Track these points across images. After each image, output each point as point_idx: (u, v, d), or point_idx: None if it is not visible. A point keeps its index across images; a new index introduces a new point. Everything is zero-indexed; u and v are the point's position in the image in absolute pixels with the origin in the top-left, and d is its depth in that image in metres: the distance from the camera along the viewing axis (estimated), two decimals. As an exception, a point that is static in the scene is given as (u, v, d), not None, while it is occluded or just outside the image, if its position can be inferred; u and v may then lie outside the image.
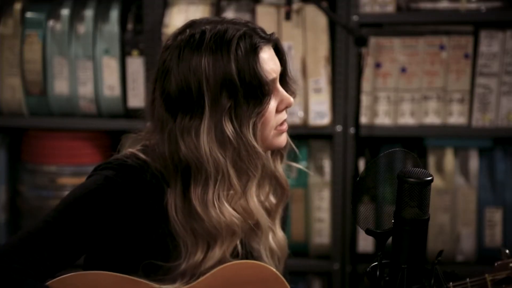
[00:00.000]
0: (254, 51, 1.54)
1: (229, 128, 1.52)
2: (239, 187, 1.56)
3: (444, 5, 2.89)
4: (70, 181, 2.94)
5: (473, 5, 2.87)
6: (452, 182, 2.93)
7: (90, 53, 2.93)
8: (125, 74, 2.96)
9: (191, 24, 1.59)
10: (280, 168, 1.68)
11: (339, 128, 2.91)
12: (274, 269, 1.60)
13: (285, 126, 1.61)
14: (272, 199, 1.69)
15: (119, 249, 1.57)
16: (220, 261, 1.59)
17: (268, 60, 1.56)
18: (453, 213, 2.94)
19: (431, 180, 1.32)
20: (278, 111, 1.59)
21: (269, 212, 1.68)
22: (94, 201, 1.52)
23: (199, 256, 1.57)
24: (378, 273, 1.36)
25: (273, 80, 1.57)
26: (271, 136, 1.59)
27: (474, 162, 2.95)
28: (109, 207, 1.53)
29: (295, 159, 1.76)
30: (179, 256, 1.57)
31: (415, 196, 1.31)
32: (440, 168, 2.95)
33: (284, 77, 1.63)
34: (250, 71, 1.53)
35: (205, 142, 1.52)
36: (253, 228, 1.64)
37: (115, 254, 1.58)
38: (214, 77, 1.51)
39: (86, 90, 2.95)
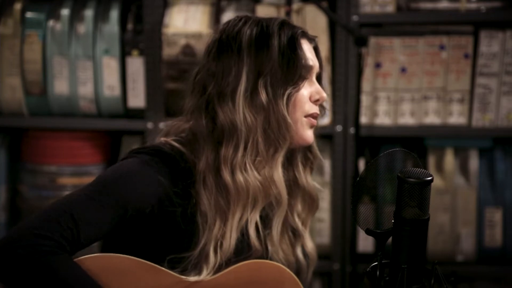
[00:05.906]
0: (296, 37, 1.63)
1: (263, 94, 1.59)
2: (266, 155, 1.61)
3: (444, 5, 2.89)
4: (70, 181, 2.93)
5: (473, 5, 2.87)
6: (452, 182, 2.93)
7: (90, 53, 2.93)
8: (125, 74, 2.95)
9: (234, 19, 1.69)
10: (310, 180, 1.78)
11: (339, 128, 2.91)
12: (292, 272, 1.64)
13: (315, 121, 1.69)
14: (303, 209, 1.79)
15: (145, 235, 1.60)
16: (238, 248, 1.63)
17: (307, 50, 1.65)
18: (453, 213, 2.94)
19: (431, 180, 1.32)
20: (311, 100, 1.67)
21: (301, 222, 1.78)
22: (130, 181, 1.55)
23: (217, 229, 1.60)
24: (378, 273, 1.36)
25: (311, 68, 1.65)
26: (300, 123, 1.66)
27: (474, 162, 2.95)
28: (144, 189, 1.56)
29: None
30: (199, 241, 1.60)
31: (415, 196, 1.32)
32: (440, 168, 2.95)
33: (318, 80, 1.71)
34: (290, 48, 1.61)
35: (240, 105, 1.59)
36: (270, 208, 1.71)
37: (138, 240, 1.60)
38: (255, 45, 1.60)
39: (86, 90, 2.95)
